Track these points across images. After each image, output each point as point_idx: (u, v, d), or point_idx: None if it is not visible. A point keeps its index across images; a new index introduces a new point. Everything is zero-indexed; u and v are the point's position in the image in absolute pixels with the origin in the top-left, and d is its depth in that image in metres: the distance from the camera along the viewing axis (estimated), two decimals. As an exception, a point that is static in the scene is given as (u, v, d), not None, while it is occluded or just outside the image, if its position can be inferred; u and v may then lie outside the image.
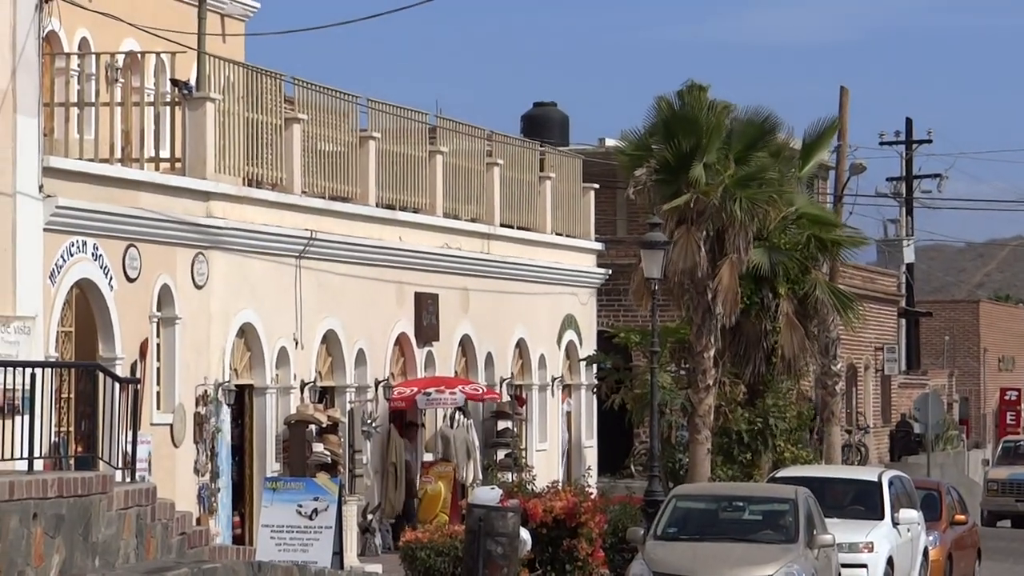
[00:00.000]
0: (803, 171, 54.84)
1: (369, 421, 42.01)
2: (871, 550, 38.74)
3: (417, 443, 43.72)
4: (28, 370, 27.69)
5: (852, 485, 42.08)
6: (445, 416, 43.58)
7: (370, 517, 39.77)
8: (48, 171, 32.43)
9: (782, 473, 44.61)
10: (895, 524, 40.22)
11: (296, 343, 39.77)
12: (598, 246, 55.52)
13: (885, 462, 62.38)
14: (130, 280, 34.77)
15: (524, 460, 46.24)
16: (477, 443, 43.33)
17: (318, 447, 37.71)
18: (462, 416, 43.94)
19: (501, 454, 44.84)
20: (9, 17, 31.27)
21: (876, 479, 43.16)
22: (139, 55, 38.26)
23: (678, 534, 35.58)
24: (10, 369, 27.47)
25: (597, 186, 55.98)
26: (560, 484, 45.03)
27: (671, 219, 46.34)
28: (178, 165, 37.02)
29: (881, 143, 78.10)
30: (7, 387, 27.30)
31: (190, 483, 35.14)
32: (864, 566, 38.37)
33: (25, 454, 26.32)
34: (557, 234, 52.94)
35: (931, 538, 42.91)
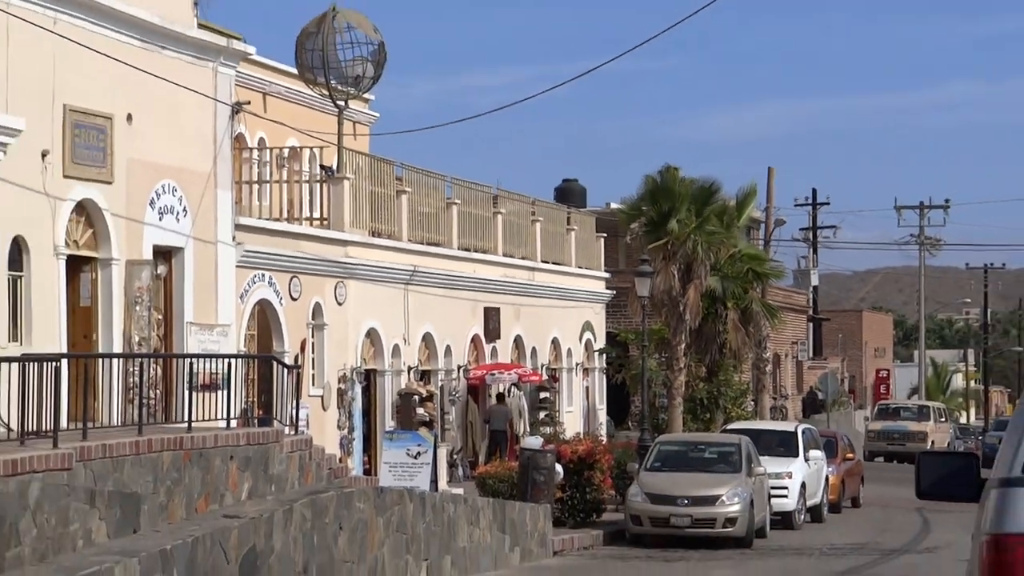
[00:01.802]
0: (740, 221, 54.90)
1: (454, 393, 42.06)
2: (790, 477, 38.83)
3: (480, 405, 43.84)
4: (226, 360, 28.08)
5: (777, 434, 42.12)
6: (506, 384, 43.61)
7: (455, 457, 39.85)
8: (239, 227, 32.70)
9: (730, 426, 44.72)
10: (806, 460, 40.23)
11: (404, 341, 39.91)
12: (606, 275, 55.52)
13: (799, 419, 62.08)
14: (293, 299, 35.01)
15: (557, 418, 46.24)
16: (525, 407, 43.33)
17: (420, 410, 37.79)
18: (515, 389, 43.94)
19: (542, 415, 44.86)
20: (211, 124, 31.54)
21: (793, 430, 43.24)
22: (298, 149, 38.41)
23: (661, 467, 35.91)
24: (215, 358, 27.93)
25: (605, 235, 56.02)
26: (581, 435, 45.17)
27: (655, 256, 46.43)
28: (325, 222, 37.23)
29: (795, 205, 78.21)
30: (212, 371, 27.56)
31: (334, 435, 35.29)
32: (786, 488, 38.47)
33: (224, 416, 26.65)
34: (578, 267, 52.95)
35: (831, 469, 42.85)
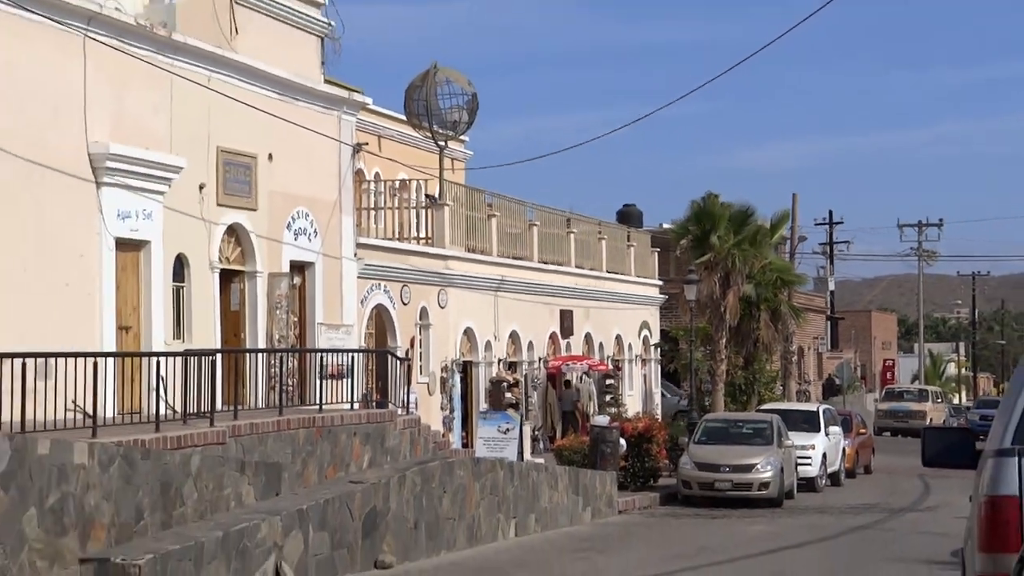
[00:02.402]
0: (773, 239, 54.75)
1: (535, 380, 41.98)
2: (813, 449, 38.73)
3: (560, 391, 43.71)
4: (350, 354, 28.16)
5: (802, 413, 41.93)
6: (578, 374, 43.49)
7: (536, 433, 39.74)
8: (359, 245, 32.72)
9: (763, 407, 44.42)
10: (826, 434, 40.07)
11: (495, 338, 39.84)
12: (659, 283, 55.23)
13: (820, 400, 61.69)
14: (404, 304, 35.01)
15: (620, 401, 46.08)
16: (594, 392, 43.18)
17: (508, 395, 37.70)
18: (586, 377, 43.83)
19: (607, 398, 44.70)
20: (336, 161, 31.62)
21: (815, 409, 43.18)
22: (407, 181, 38.47)
23: (707, 441, 35.84)
24: (340, 353, 27.99)
25: (658, 249, 55.74)
26: (640, 413, 45.16)
27: (700, 268, 46.32)
28: (429, 241, 37.25)
29: (815, 224, 77.91)
30: (338, 363, 27.60)
31: (438, 415, 35.27)
32: (810, 457, 38.32)
33: (348, 400, 26.71)
34: (637, 276, 52.72)
35: (847, 442, 42.61)
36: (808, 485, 37.92)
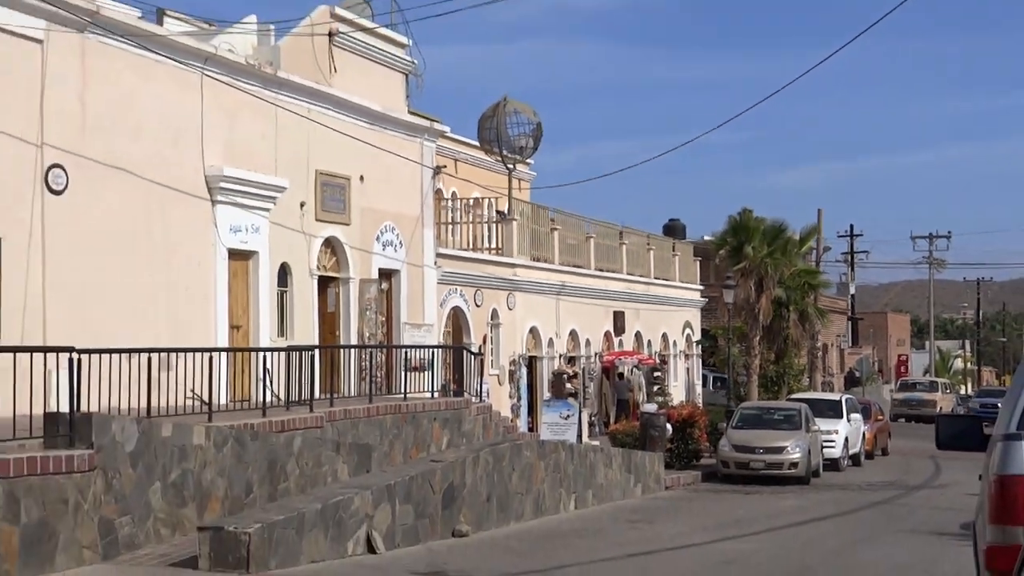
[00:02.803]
0: (801, 250, 54.54)
1: (592, 373, 41.89)
2: (837, 433, 38.49)
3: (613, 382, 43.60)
4: (430, 350, 28.26)
5: (827, 402, 41.60)
6: (630, 367, 43.37)
7: (593, 418, 39.66)
8: (438, 255, 32.77)
9: (792, 396, 44.24)
10: (848, 420, 39.81)
11: (556, 335, 39.79)
12: (700, 287, 54.98)
13: (842, 390, 61.34)
14: (477, 306, 35.03)
15: (666, 390, 45.90)
16: (643, 382, 43.05)
17: (568, 385, 37.62)
18: (636, 369, 43.70)
19: (655, 388, 44.58)
20: (419, 182, 31.71)
21: (838, 398, 42.79)
22: (480, 199, 38.46)
23: (743, 426, 35.65)
24: (422, 348, 28.05)
25: (700, 258, 55.51)
26: (684, 401, 45.03)
27: (737, 275, 46.25)
28: (499, 251, 37.23)
29: (838, 236, 77.12)
30: (421, 357, 27.70)
31: (507, 403, 35.24)
32: (833, 441, 38.08)
33: (429, 389, 26.78)
34: (681, 282, 52.52)
35: (866, 427, 42.33)
36: (832, 465, 37.70)
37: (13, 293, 19.73)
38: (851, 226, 79.52)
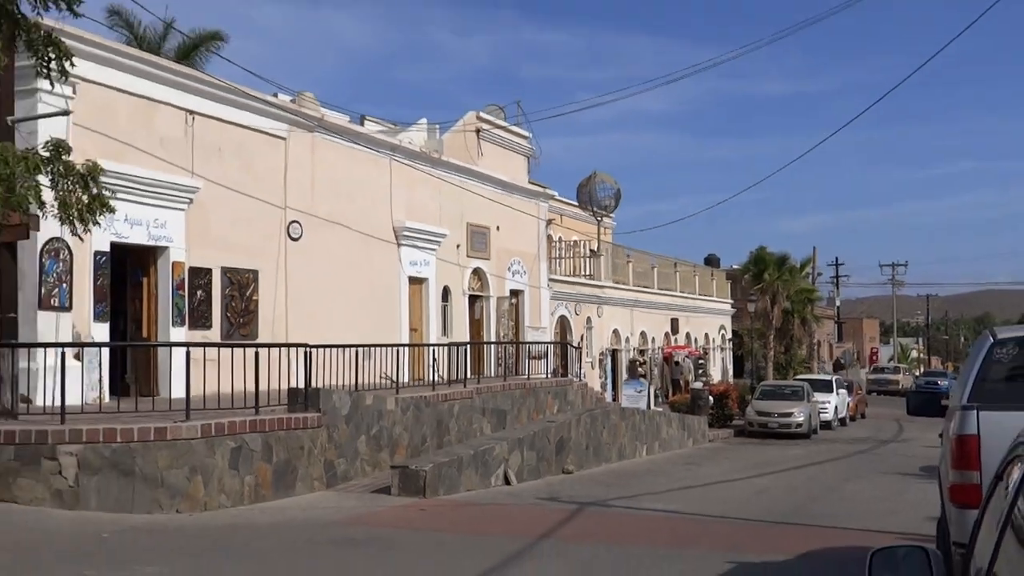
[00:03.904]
0: (801, 274, 53.57)
1: (656, 360, 41.51)
2: (829, 403, 37.72)
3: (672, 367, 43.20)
4: (545, 345, 28.11)
5: (822, 381, 40.52)
6: (682, 357, 42.91)
7: (657, 392, 39.26)
8: (550, 280, 32.78)
9: (797, 377, 43.40)
10: (837, 394, 38.97)
11: (631, 335, 39.55)
12: (730, 301, 54.15)
13: (832, 373, 60.23)
14: (576, 315, 34.83)
15: (708, 373, 45.30)
16: (692, 368, 42.46)
17: (640, 369, 37.35)
18: (686, 359, 43.16)
19: (699, 371, 43.98)
20: (536, 229, 31.70)
21: (830, 378, 41.73)
22: (578, 241, 38.36)
23: (763, 398, 35.02)
24: (539, 344, 27.92)
25: (731, 280, 54.74)
26: (721, 381, 44.41)
27: (757, 292, 45.83)
28: (592, 277, 37.05)
29: (827, 265, 75.65)
30: (538, 350, 27.62)
31: (597, 382, 34.98)
32: (827, 408, 37.27)
33: (545, 371, 26.68)
34: (717, 297, 51.80)
35: (849, 398, 41.40)
36: (826, 425, 36.86)
37: (266, 307, 20.13)
38: (836, 258, 78.53)
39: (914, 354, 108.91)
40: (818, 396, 36.74)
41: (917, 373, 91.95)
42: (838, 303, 78.45)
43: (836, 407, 38.60)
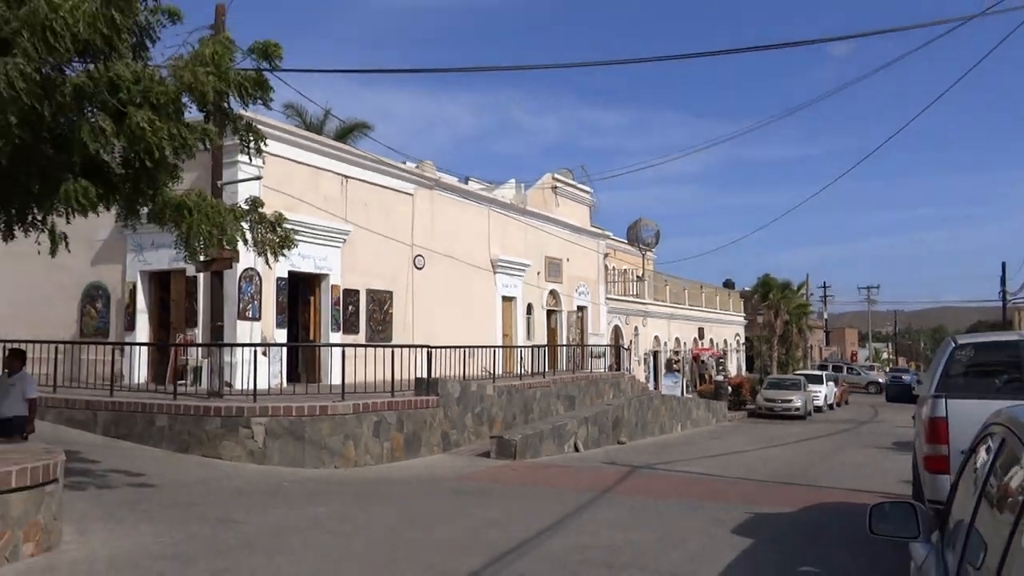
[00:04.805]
0: (798, 294, 52.23)
1: (687, 359, 40.84)
2: (821, 392, 36.60)
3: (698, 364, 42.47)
4: (603, 347, 27.68)
5: (815, 375, 39.30)
6: (706, 357, 42.14)
7: (687, 383, 38.58)
8: (607, 299, 32.45)
9: (796, 372, 42.26)
10: (826, 385, 37.84)
11: (668, 340, 38.92)
12: (743, 315, 53.02)
13: (822, 370, 58.56)
14: (626, 325, 34.39)
15: (726, 368, 44.39)
16: (714, 364, 41.61)
17: (675, 366, 36.74)
18: (710, 358, 42.37)
19: (720, 367, 43.07)
20: (597, 261, 31.48)
21: (821, 373, 40.49)
22: (626, 270, 37.94)
23: (769, 388, 34.10)
24: (597, 346, 27.55)
25: (744, 299, 53.70)
26: (736, 374, 43.46)
27: (764, 308, 44.84)
28: (639, 296, 36.56)
29: (818, 287, 73.64)
30: (597, 351, 27.30)
31: (643, 375, 34.59)
32: (819, 395, 36.15)
33: (603, 368, 26.33)
34: (732, 312, 50.78)
35: (836, 389, 40.12)
36: (818, 409, 35.78)
37: (398, 318, 20.33)
38: (824, 282, 76.87)
39: (885, 355, 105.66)
40: (812, 387, 35.71)
41: (888, 370, 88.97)
42: (826, 316, 76.43)
43: (826, 395, 37.42)
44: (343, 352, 14.27)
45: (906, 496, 8.76)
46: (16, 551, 6.89)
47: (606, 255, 33.65)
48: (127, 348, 16.13)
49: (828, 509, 11.06)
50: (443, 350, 16.67)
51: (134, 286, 17.03)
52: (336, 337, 18.04)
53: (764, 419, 32.23)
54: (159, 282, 17.12)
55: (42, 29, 5.99)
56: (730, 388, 34.88)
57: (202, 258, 9.38)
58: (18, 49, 6.05)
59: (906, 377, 47.42)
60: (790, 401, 32.58)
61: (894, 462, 16.77)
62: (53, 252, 8.37)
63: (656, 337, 37.96)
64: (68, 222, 8.13)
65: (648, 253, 41.99)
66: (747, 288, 55.44)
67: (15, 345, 12.16)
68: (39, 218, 8.28)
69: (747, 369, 52.66)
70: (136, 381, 15.92)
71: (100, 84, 6.84)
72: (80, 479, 9.80)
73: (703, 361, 42.32)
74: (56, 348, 14.51)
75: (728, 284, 60.63)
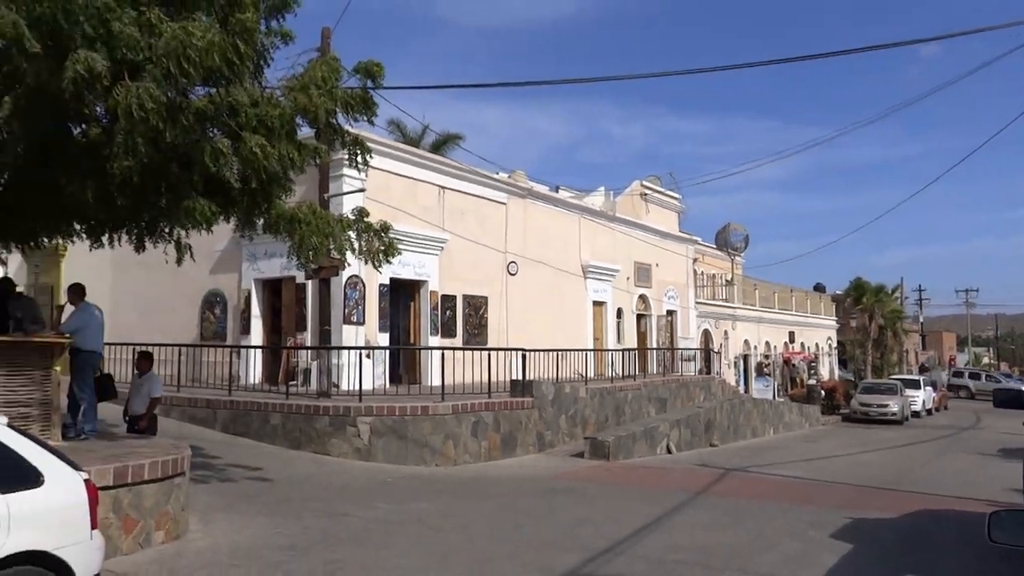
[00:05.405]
0: (892, 296, 49.89)
1: (778, 363, 39.59)
2: (918, 397, 34.77)
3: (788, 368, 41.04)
4: (692, 350, 27.21)
5: (912, 380, 37.26)
6: (798, 361, 40.75)
7: (777, 388, 37.32)
8: (696, 303, 31.83)
9: (891, 377, 40.38)
10: (924, 390, 35.90)
11: (759, 343, 37.82)
12: (834, 318, 51.05)
13: (920, 374, 55.78)
14: (716, 329, 33.62)
15: (818, 372, 42.78)
16: (805, 368, 40.12)
17: (765, 370, 35.68)
18: (801, 361, 40.94)
19: (812, 371, 41.53)
20: (685, 266, 30.93)
21: (918, 378, 38.45)
22: (715, 274, 37.11)
23: (864, 392, 32.69)
24: (686, 349, 27.05)
25: (835, 303, 51.59)
26: (829, 378, 41.82)
27: (858, 311, 43.08)
28: (728, 300, 35.68)
29: (912, 290, 70.05)
30: (687, 354, 26.84)
31: (733, 378, 33.59)
32: (916, 400, 34.32)
33: (692, 371, 25.82)
34: (824, 315, 48.94)
35: (934, 394, 38.00)
36: (915, 415, 34.00)
37: (493, 322, 20.45)
38: (919, 285, 73.40)
39: (985, 360, 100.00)
40: (909, 391, 34.04)
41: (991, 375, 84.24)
42: (921, 320, 72.76)
43: (923, 400, 35.56)
44: (442, 355, 14.46)
45: (1017, 504, 8.23)
46: (148, 538, 7.25)
47: (695, 260, 33.00)
48: (243, 351, 16.60)
49: (931, 516, 10.50)
50: (536, 353, 16.65)
51: (249, 293, 17.59)
52: (435, 340, 18.24)
53: (859, 424, 30.91)
54: (271, 289, 17.69)
55: (176, 58, 6.29)
56: (823, 392, 33.63)
57: (311, 266, 9.66)
58: (149, 75, 6.37)
59: (1007, 381, 44.63)
60: (886, 406, 31.14)
61: (1000, 469, 15.80)
62: (179, 261, 8.77)
63: (746, 341, 36.96)
64: (187, 235, 8.52)
65: (737, 257, 41.02)
66: (838, 292, 53.40)
67: (144, 348, 12.78)
68: (166, 231, 8.71)
69: (839, 373, 50.75)
70: (251, 381, 16.40)
71: (220, 108, 7.15)
72: (203, 473, 10.22)
73: (794, 365, 40.91)
74: (179, 351, 15.13)
75: (819, 288, 58.43)
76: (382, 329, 17.06)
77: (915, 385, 36.25)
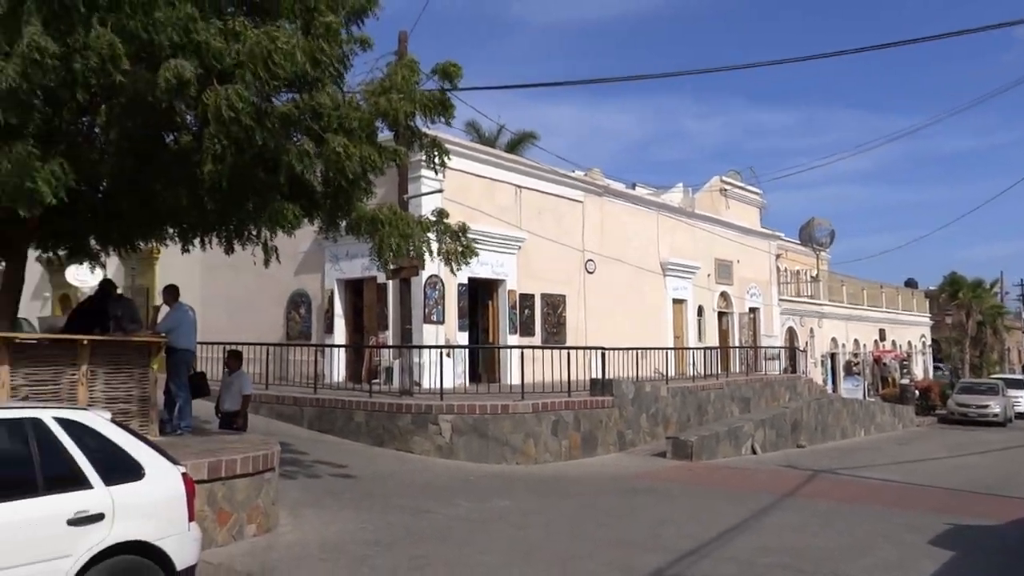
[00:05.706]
0: (990, 291, 47.35)
1: (867, 362, 38.04)
2: (1022, 396, 32.88)
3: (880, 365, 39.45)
4: (777, 349, 26.51)
5: (1015, 379, 35.41)
6: (889, 359, 39.13)
7: (869, 387, 35.83)
8: (780, 300, 30.95)
9: (991, 376, 38.39)
10: (1028, 390, 34.20)
11: (847, 341, 36.49)
12: (927, 315, 48.80)
13: (1023, 374, 52.94)
14: (801, 326, 32.59)
15: (912, 372, 41.00)
16: (897, 367, 38.51)
17: (854, 368, 34.41)
18: (892, 360, 39.26)
19: (904, 370, 39.81)
20: (768, 262, 30.17)
21: (1022, 377, 36.71)
22: (799, 271, 35.93)
23: (961, 392, 31.11)
24: (769, 348, 26.35)
25: (928, 299, 49.32)
26: (923, 378, 40.07)
27: (953, 307, 41.15)
28: (814, 297, 34.61)
29: (1014, 285, 66.11)
30: (771, 352, 26.09)
31: (820, 377, 32.49)
32: (1020, 401, 32.50)
33: (776, 370, 25.12)
34: (916, 312, 46.91)
35: (1040, 394, 36.21)
36: (1020, 416, 32.18)
37: (571, 321, 20.38)
38: (1022, 279, 69.00)
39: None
40: (1011, 392, 32.22)
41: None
42: (1024, 316, 68.95)
43: (1027, 402, 33.78)
44: (521, 354, 14.48)
45: None
46: (241, 531, 7.48)
47: (778, 256, 32.12)
48: (327, 350, 16.90)
49: (1040, 523, 9.91)
50: (616, 352, 16.50)
51: (332, 293, 17.89)
52: (513, 339, 18.27)
53: (957, 426, 29.49)
54: (353, 289, 17.99)
55: (263, 62, 6.46)
56: (917, 392, 32.22)
57: (391, 266, 9.80)
58: (239, 79, 6.56)
59: None
60: (987, 406, 29.61)
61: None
62: (267, 263, 9.03)
63: (833, 339, 35.74)
64: (273, 236, 8.76)
65: (822, 253, 39.73)
66: (932, 287, 51.08)
67: (233, 347, 13.20)
68: (254, 233, 8.97)
69: (934, 372, 48.53)
70: (335, 380, 16.66)
71: (304, 112, 7.32)
72: (291, 468, 10.50)
73: (885, 364, 39.29)
74: (266, 350, 15.54)
75: (910, 283, 56.00)
76: (461, 328, 17.19)
77: (1019, 385, 34.21)
